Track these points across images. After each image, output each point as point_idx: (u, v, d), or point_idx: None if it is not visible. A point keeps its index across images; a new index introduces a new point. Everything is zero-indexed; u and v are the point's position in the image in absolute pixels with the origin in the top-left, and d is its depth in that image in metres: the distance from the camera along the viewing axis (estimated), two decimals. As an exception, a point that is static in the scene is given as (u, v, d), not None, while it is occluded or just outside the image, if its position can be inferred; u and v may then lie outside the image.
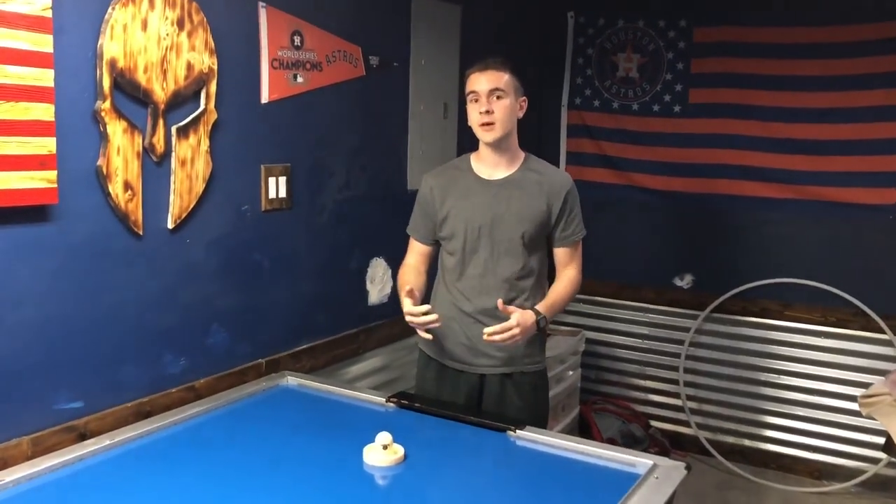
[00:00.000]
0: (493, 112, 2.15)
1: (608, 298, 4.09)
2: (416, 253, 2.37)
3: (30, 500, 1.62)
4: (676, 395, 3.94)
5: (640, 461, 1.85)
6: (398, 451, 1.80)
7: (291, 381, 2.37)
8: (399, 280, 2.32)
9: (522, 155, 2.29)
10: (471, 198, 2.24)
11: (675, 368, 3.93)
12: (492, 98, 2.15)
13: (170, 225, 2.11)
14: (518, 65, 2.28)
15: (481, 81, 2.17)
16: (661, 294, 3.96)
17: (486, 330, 2.06)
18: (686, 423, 3.92)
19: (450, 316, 2.25)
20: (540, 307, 2.18)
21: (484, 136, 2.19)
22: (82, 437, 1.91)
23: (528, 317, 2.10)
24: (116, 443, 1.87)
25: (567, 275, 2.30)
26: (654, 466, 1.81)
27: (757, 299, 3.75)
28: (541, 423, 2.26)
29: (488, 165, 2.26)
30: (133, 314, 2.06)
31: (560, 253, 2.30)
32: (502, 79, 2.16)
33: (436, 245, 2.35)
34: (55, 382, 1.89)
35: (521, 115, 2.25)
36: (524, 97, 2.25)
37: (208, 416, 2.09)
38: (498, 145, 2.21)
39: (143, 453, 1.86)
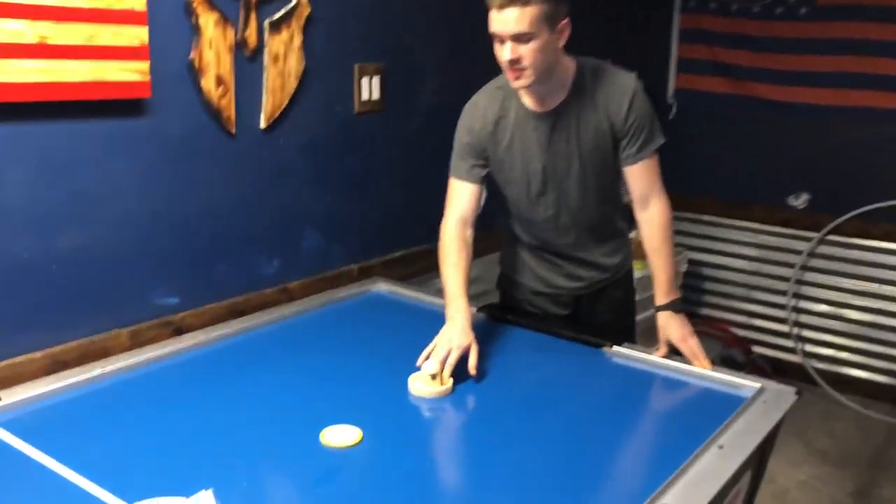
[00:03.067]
0: (519, 59, 1.71)
1: (714, 217, 3.88)
2: (463, 201, 1.93)
3: (128, 388, 1.66)
4: (783, 321, 3.75)
5: (746, 384, 1.73)
6: (448, 383, 1.68)
7: (383, 287, 2.35)
8: (443, 276, 1.91)
9: (573, 71, 1.85)
10: (525, 136, 1.89)
11: (784, 293, 3.72)
12: (518, 43, 1.70)
13: (262, 124, 2.07)
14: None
15: (500, 22, 1.69)
16: (772, 213, 3.73)
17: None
18: (791, 350, 3.74)
19: (534, 246, 2.09)
20: (661, 300, 1.91)
21: (514, 83, 1.78)
22: (178, 331, 1.94)
23: (679, 327, 1.88)
24: (211, 339, 1.90)
25: (655, 223, 1.90)
26: (762, 390, 1.69)
27: (879, 222, 3.47)
28: (631, 326, 2.17)
29: (534, 97, 1.86)
30: (227, 213, 2.06)
31: (633, 173, 1.88)
32: (526, 18, 1.66)
33: (486, 181, 1.96)
34: (152, 277, 1.92)
35: (562, 42, 1.78)
36: (565, 18, 1.74)
37: (300, 318, 2.09)
38: (538, 84, 1.79)
39: (236, 350, 1.88)
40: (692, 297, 3.95)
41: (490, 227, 2.13)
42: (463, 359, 1.71)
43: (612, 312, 2.12)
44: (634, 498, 1.26)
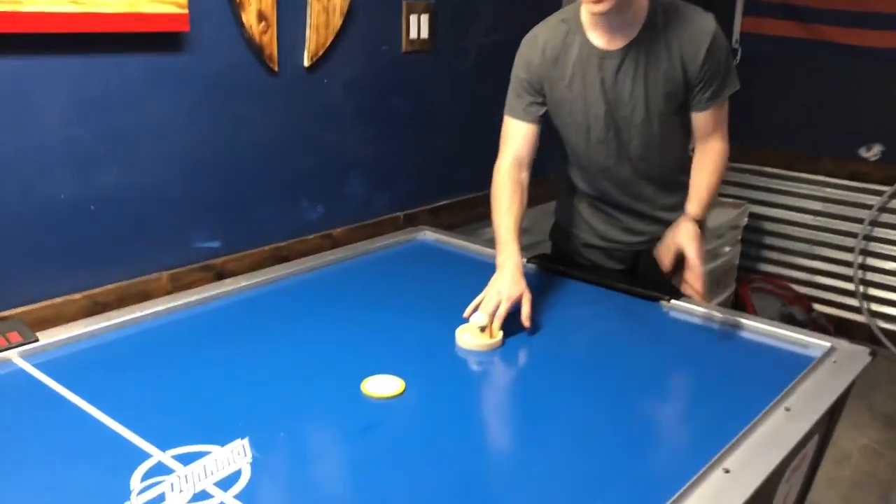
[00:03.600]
0: None
1: (779, 169, 3.69)
2: (518, 141, 1.79)
3: (167, 333, 1.62)
4: (848, 279, 3.57)
5: (813, 342, 1.62)
6: (498, 336, 1.59)
7: (429, 235, 2.27)
8: (494, 221, 1.78)
9: (646, 6, 1.69)
10: (587, 76, 1.73)
11: (850, 249, 3.54)
12: None
13: (306, 62, 1.99)
14: None
15: None
16: (841, 166, 3.53)
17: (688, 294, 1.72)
18: (856, 309, 3.57)
19: (591, 196, 1.96)
20: (693, 209, 1.78)
21: (595, 8, 1.60)
22: (220, 276, 1.90)
23: (690, 235, 1.71)
24: (252, 284, 1.84)
25: (712, 153, 1.79)
26: (832, 350, 1.58)
27: (959, 176, 3.26)
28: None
29: (603, 31, 1.71)
30: (270, 154, 1.99)
31: (701, 118, 1.77)
32: None
33: (543, 121, 1.83)
34: (193, 220, 1.87)
35: None
36: None
37: (343, 266, 2.03)
38: (616, 13, 1.64)
39: (277, 297, 1.82)
40: (751, 252, 3.79)
41: (544, 175, 2.03)
42: (515, 311, 1.63)
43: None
44: (694, 461, 1.17)
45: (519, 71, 1.81)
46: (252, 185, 1.97)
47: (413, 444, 1.26)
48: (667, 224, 1.93)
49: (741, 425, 1.27)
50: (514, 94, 1.82)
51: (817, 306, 3.67)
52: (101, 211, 1.69)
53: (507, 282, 1.64)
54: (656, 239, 1.95)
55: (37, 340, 1.49)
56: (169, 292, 1.79)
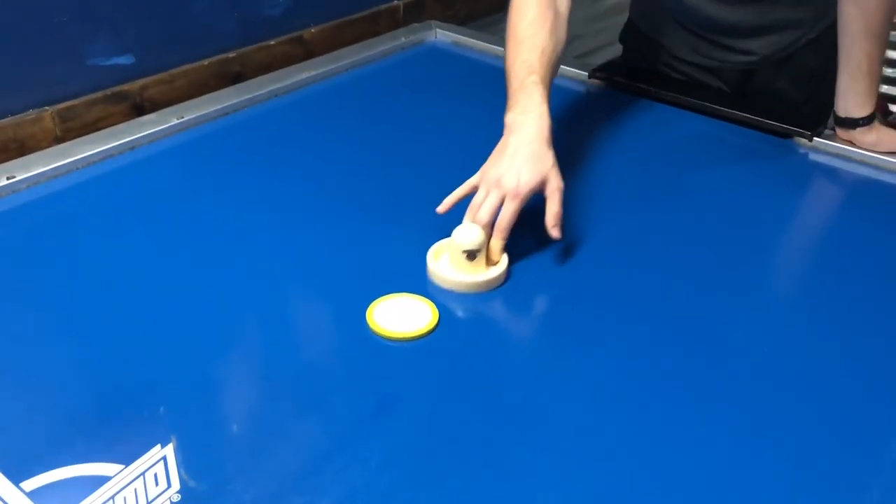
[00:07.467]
0: None
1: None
2: None
3: (55, 204, 1.05)
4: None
5: None
6: (501, 263, 0.90)
7: (441, 36, 1.64)
8: (507, 54, 1.01)
9: None
10: None
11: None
12: None
13: None
14: None
15: None
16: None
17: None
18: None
19: (680, 9, 1.30)
20: (860, 102, 1.10)
21: None
22: (137, 109, 1.29)
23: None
24: (188, 121, 1.24)
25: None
26: None
27: None
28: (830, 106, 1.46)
29: None
30: (198, -85, 1.30)
31: None
32: None
33: None
34: (88, 23, 1.22)
35: None
36: None
37: (322, 87, 1.42)
38: None
39: (225, 139, 1.23)
40: None
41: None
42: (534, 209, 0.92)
43: (801, 87, 1.35)
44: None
45: None
46: (177, -35, 1.30)
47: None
48: (793, 27, 1.27)
49: None
50: None
51: None
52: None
53: (521, 159, 0.90)
54: (779, 50, 1.30)
55: None
56: (57, 141, 1.19)
